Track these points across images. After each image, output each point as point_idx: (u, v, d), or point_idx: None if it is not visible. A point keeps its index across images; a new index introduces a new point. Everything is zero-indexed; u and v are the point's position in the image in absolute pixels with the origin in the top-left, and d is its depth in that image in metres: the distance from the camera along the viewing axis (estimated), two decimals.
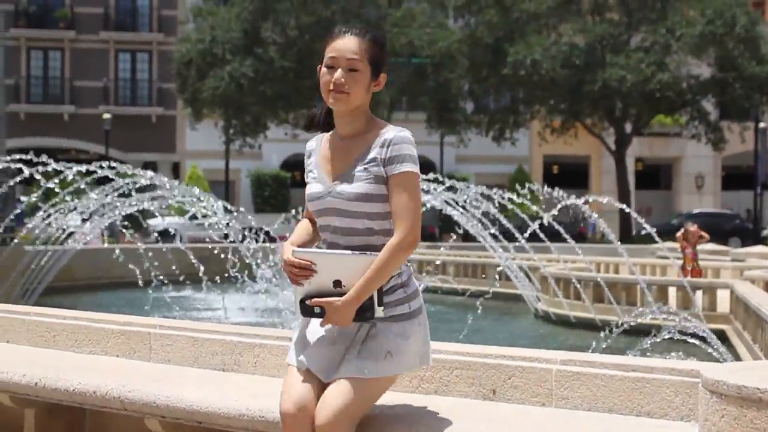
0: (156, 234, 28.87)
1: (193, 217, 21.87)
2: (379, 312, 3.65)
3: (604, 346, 10.75)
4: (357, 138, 3.77)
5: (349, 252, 3.69)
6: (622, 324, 11.56)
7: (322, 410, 3.58)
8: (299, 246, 3.81)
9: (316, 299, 3.65)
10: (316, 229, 3.90)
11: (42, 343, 5.79)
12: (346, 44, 3.71)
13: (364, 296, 3.61)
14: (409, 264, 3.82)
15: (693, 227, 17.95)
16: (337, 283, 3.66)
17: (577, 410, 3.98)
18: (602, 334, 11.29)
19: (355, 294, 3.61)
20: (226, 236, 21.56)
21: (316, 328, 3.77)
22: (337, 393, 3.61)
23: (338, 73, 3.69)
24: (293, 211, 21.14)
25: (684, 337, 10.22)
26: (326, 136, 3.90)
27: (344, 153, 3.76)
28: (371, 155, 3.69)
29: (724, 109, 44.60)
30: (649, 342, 9.72)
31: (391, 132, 3.70)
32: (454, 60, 39.49)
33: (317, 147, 3.90)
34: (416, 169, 3.67)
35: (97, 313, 5.91)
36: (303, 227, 3.95)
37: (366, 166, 3.68)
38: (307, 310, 3.68)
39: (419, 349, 3.75)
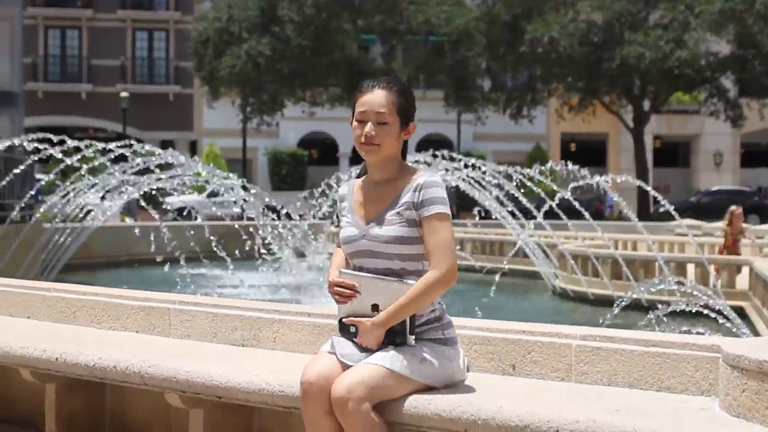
0: (173, 212, 28.95)
1: (211, 194, 21.88)
2: (410, 340, 3.79)
3: (620, 322, 10.73)
4: (389, 184, 3.92)
5: (390, 278, 3.82)
6: (626, 299, 11.50)
7: (340, 381, 3.66)
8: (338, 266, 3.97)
9: (350, 318, 3.81)
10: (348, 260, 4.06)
11: (62, 318, 5.83)
12: (374, 98, 3.85)
13: (392, 321, 3.76)
14: (441, 302, 3.95)
15: (738, 210, 17.33)
16: (375, 307, 3.81)
17: (596, 385, 3.99)
18: (617, 308, 11.25)
19: (384, 317, 3.76)
20: (241, 216, 21.59)
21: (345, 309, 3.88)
22: (360, 370, 3.69)
23: (368, 127, 3.85)
24: (311, 190, 21.09)
25: (700, 309, 10.18)
26: (358, 182, 4.05)
27: (377, 198, 3.92)
28: (403, 200, 3.84)
29: (743, 86, 44.34)
30: (662, 314, 9.69)
31: (422, 177, 3.86)
32: (472, 38, 39.36)
33: (349, 192, 4.05)
34: (447, 210, 3.82)
35: (116, 289, 5.93)
36: (341, 256, 4.06)
37: (398, 210, 3.84)
38: (345, 329, 3.82)
39: (451, 373, 3.88)
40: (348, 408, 3.59)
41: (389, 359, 3.72)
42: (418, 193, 3.82)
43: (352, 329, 3.79)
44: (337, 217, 4.14)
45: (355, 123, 3.89)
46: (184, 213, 27.37)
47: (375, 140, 3.85)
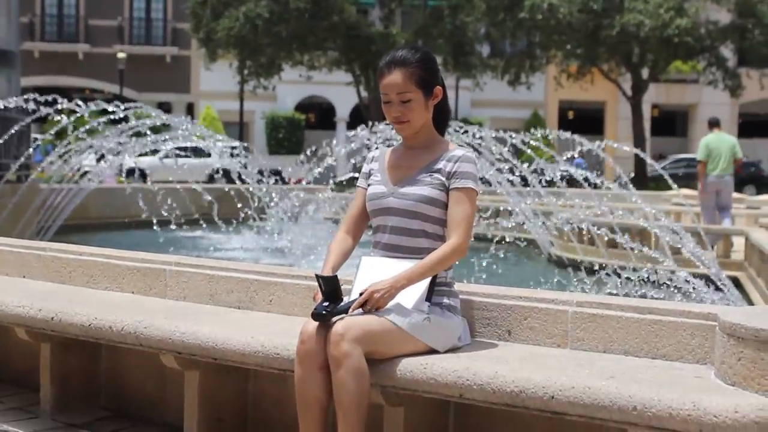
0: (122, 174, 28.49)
1: (166, 156, 21.56)
2: (424, 305, 3.89)
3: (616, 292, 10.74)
4: (424, 149, 4.10)
5: (413, 257, 3.95)
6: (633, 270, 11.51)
7: (340, 321, 3.70)
8: (331, 272, 3.99)
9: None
10: (354, 242, 4.17)
11: (58, 278, 5.82)
12: (393, 80, 3.99)
13: (408, 284, 3.84)
14: (453, 278, 4.10)
15: None
16: None
17: (592, 352, 3.99)
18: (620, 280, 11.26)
19: (402, 280, 3.83)
20: (210, 178, 21.50)
21: (358, 290, 3.90)
22: (362, 317, 3.74)
23: (394, 108, 4.01)
24: (308, 152, 21.03)
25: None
26: (391, 148, 4.22)
27: (411, 161, 4.08)
28: (438, 165, 4.02)
29: (742, 55, 44.16)
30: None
31: (459, 151, 4.03)
32: (471, 3, 39.12)
33: (381, 155, 4.21)
34: (477, 188, 4.02)
35: (112, 249, 5.92)
36: (340, 251, 4.11)
37: (432, 173, 3.98)
38: (319, 317, 3.77)
39: (452, 339, 3.97)
40: (341, 347, 3.61)
41: (392, 312, 3.77)
42: (454, 164, 3.99)
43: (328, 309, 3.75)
44: (359, 178, 4.26)
45: (383, 105, 4.03)
46: (135, 175, 27.26)
47: (402, 118, 4.02)
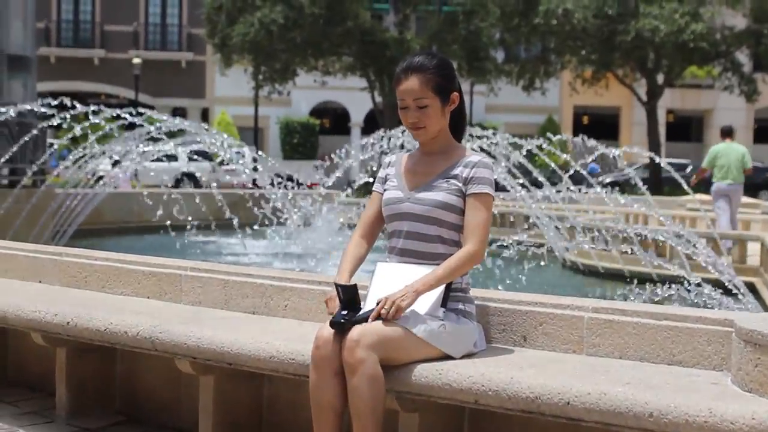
0: None
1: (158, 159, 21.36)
2: (439, 311, 3.88)
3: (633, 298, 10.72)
4: (440, 155, 4.10)
5: (429, 263, 3.95)
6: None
7: (356, 328, 3.69)
8: (348, 279, 4.04)
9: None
10: (369, 246, 4.19)
11: (73, 283, 5.83)
12: (409, 86, 4.00)
13: (426, 290, 3.84)
14: (468, 283, 4.09)
15: None
16: None
17: (608, 358, 3.98)
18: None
19: (421, 285, 3.83)
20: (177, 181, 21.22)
21: (374, 297, 3.89)
22: (377, 323, 3.73)
23: (410, 114, 4.02)
24: (327, 158, 21.01)
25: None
26: (407, 153, 4.23)
27: (427, 167, 4.08)
28: (454, 171, 4.02)
29: (757, 60, 44.05)
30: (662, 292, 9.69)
31: (476, 157, 4.04)
32: (486, 8, 39.10)
33: (398, 161, 4.22)
34: (493, 193, 4.02)
35: (128, 254, 5.93)
36: (355, 256, 4.13)
37: (449, 179, 3.99)
38: (337, 326, 3.76)
39: (468, 345, 3.97)
40: (356, 354, 3.61)
41: (407, 319, 3.76)
42: (471, 170, 4.00)
43: (347, 318, 3.75)
44: (374, 183, 4.26)
45: (400, 111, 4.04)
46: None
47: (419, 124, 4.02)
